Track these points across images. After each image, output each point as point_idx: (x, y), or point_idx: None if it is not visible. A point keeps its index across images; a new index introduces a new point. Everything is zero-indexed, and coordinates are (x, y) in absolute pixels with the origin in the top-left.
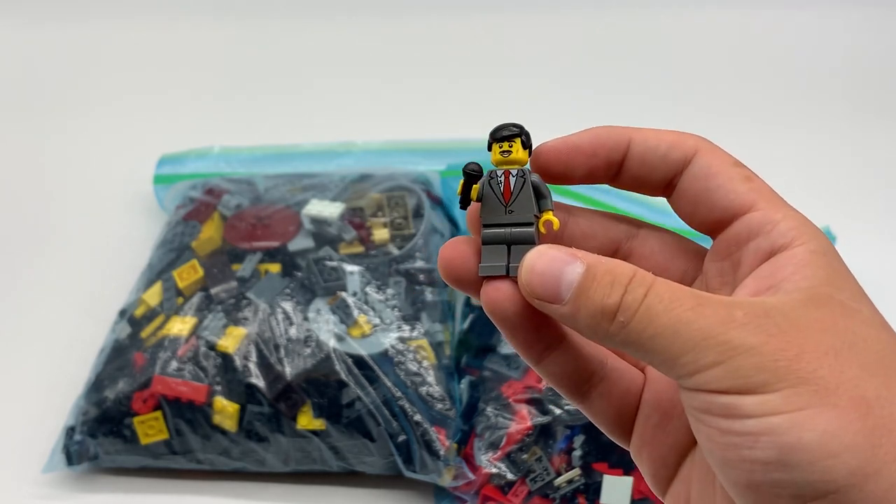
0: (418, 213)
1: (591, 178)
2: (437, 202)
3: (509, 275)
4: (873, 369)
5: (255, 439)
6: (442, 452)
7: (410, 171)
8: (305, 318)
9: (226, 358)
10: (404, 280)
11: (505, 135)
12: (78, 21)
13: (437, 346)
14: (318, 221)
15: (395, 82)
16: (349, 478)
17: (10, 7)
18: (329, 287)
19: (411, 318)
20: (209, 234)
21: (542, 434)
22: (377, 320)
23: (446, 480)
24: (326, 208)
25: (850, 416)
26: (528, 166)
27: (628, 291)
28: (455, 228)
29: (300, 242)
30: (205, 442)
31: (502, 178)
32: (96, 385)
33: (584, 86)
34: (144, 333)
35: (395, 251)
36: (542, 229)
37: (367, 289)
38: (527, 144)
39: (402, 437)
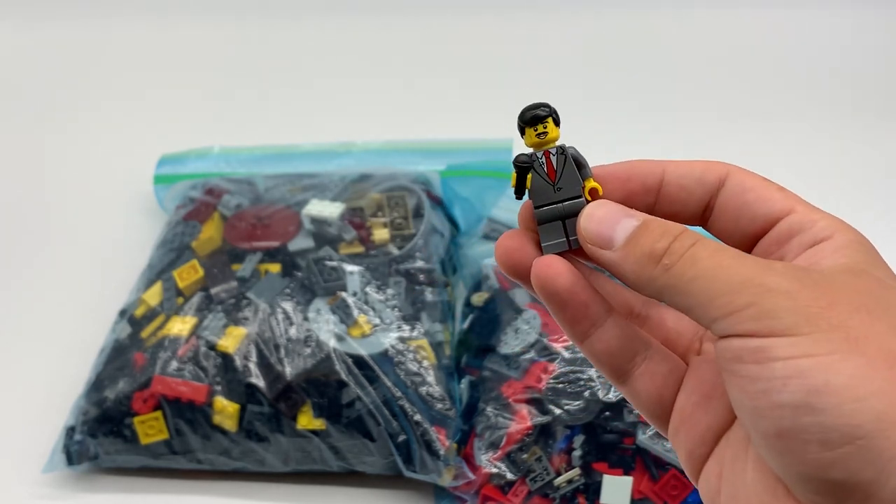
0: (418, 213)
1: (628, 203)
2: (437, 202)
3: (571, 248)
4: None
5: (255, 439)
6: (442, 452)
7: (410, 171)
8: (305, 318)
9: (226, 358)
10: (404, 280)
11: (538, 115)
12: (78, 21)
13: (437, 346)
14: (318, 221)
15: (395, 82)
16: (349, 478)
17: (10, 7)
18: (329, 287)
19: (411, 318)
20: (209, 234)
21: (542, 434)
22: (377, 320)
23: (446, 480)
24: (326, 208)
25: (877, 364)
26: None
27: (677, 239)
28: (455, 228)
29: (300, 242)
30: (205, 442)
31: (543, 160)
32: (96, 385)
33: (585, 85)
34: (144, 333)
35: (395, 251)
36: (588, 197)
37: (367, 289)
38: (557, 121)
39: (402, 437)
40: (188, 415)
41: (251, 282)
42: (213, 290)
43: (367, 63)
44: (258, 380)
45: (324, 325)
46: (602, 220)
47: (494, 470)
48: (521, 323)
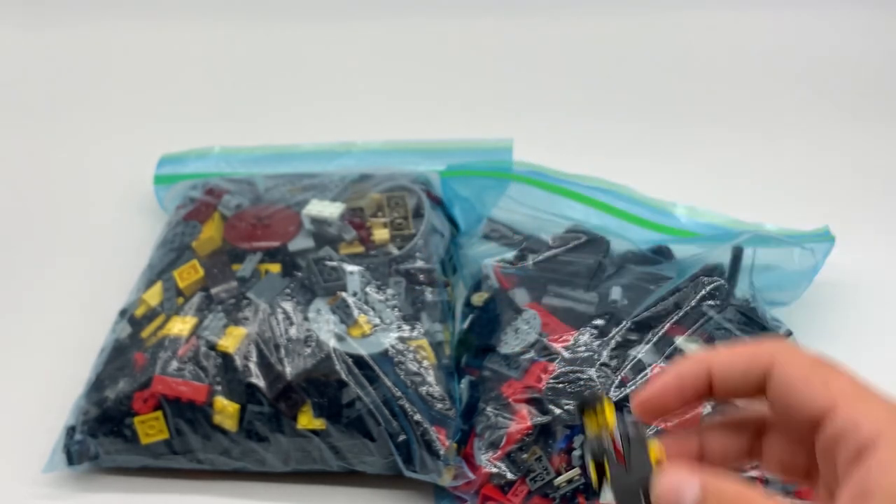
0: (418, 214)
1: (685, 409)
2: (437, 202)
3: None
4: None
5: (255, 439)
6: (442, 452)
7: (410, 171)
8: (305, 318)
9: (226, 358)
10: (404, 280)
11: (591, 404)
12: (77, 21)
13: (437, 346)
14: (319, 221)
15: (395, 82)
16: (349, 478)
17: (10, 7)
18: (329, 287)
19: (411, 318)
20: (209, 234)
21: (542, 434)
22: (377, 320)
23: (446, 480)
24: (326, 208)
25: None
26: (618, 418)
27: None
28: (455, 228)
29: (300, 242)
30: (205, 442)
31: (611, 445)
32: (97, 385)
33: (586, 86)
34: (145, 333)
35: (395, 251)
36: (655, 465)
37: (367, 289)
38: (609, 402)
39: (402, 437)
40: (188, 415)
41: (251, 282)
42: (214, 290)
43: (367, 63)
44: (258, 380)
45: (324, 325)
46: (668, 491)
47: (494, 470)
48: (520, 323)
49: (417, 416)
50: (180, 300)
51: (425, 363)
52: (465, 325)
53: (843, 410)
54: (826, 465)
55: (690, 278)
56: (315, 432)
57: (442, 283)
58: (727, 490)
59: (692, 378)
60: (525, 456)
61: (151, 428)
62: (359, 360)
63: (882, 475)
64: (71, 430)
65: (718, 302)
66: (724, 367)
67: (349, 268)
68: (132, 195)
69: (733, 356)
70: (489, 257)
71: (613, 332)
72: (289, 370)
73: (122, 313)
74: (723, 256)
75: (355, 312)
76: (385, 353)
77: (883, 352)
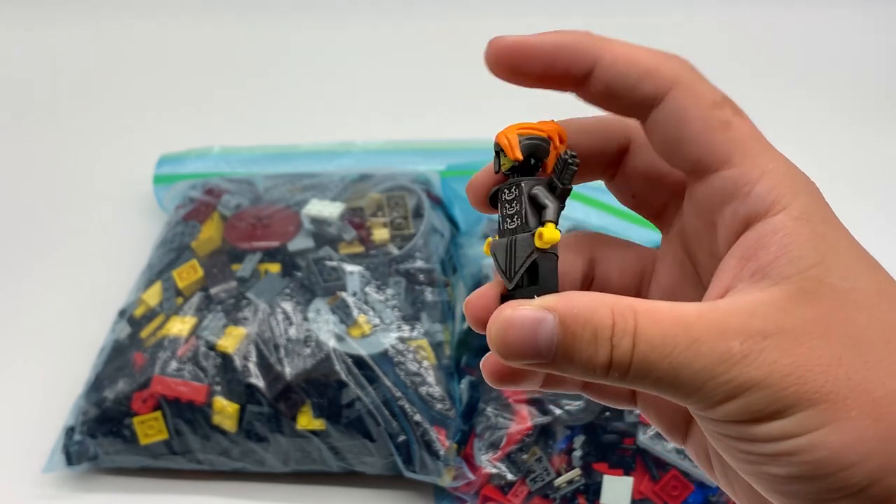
0: (418, 213)
1: (547, 84)
2: (437, 202)
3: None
4: (876, 362)
5: (254, 439)
6: (442, 452)
7: (410, 171)
8: (305, 318)
9: (225, 358)
10: (404, 280)
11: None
12: (77, 21)
13: (437, 346)
14: (318, 221)
15: (395, 82)
16: (349, 478)
17: (10, 7)
18: (329, 287)
19: (411, 318)
20: (209, 234)
21: (542, 434)
22: (377, 320)
23: (446, 481)
24: (326, 208)
25: (862, 425)
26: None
27: (615, 346)
28: (455, 228)
29: (300, 242)
30: (204, 442)
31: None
32: (96, 385)
33: None
34: (144, 333)
35: (395, 251)
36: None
37: (367, 289)
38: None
39: (402, 438)
40: (188, 415)
41: (251, 282)
42: (213, 290)
43: (367, 63)
44: (258, 380)
45: (324, 325)
46: (513, 328)
47: (494, 470)
48: None
49: (417, 417)
50: (180, 300)
51: (425, 363)
52: (465, 325)
53: (739, 167)
54: (697, 218)
55: None
56: (315, 433)
57: (442, 283)
58: (596, 316)
59: (571, 56)
60: (525, 456)
61: (151, 428)
62: (359, 361)
63: (777, 253)
64: (70, 431)
65: None
66: (616, 66)
67: (349, 268)
68: (132, 195)
69: (632, 56)
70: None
71: None
72: (288, 370)
73: (122, 313)
74: None
75: (355, 312)
76: (385, 354)
77: None
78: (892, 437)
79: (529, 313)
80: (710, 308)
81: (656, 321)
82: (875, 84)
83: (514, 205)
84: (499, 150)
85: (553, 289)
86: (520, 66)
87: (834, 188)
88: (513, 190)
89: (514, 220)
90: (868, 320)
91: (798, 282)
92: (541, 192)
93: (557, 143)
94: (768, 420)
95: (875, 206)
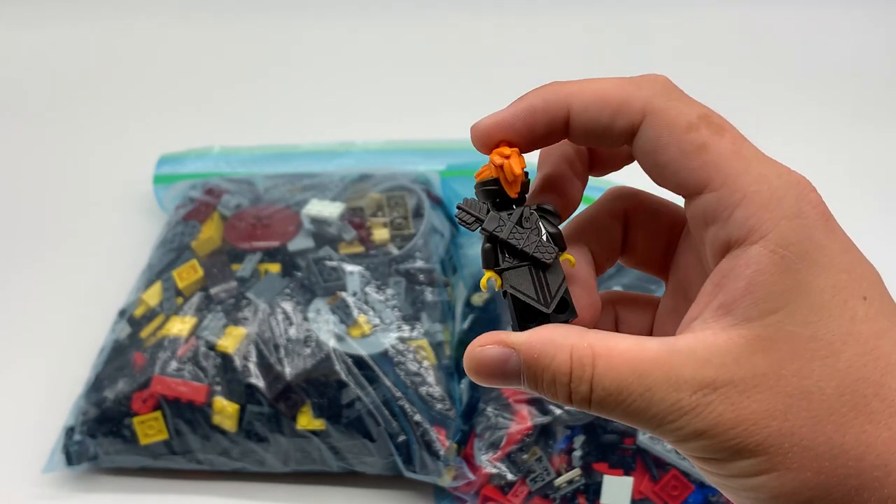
0: (418, 213)
1: (539, 146)
2: (437, 202)
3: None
4: (825, 416)
5: (254, 439)
6: (442, 452)
7: (410, 171)
8: (305, 318)
9: (225, 358)
10: (404, 280)
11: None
12: (78, 21)
13: (437, 346)
14: (318, 221)
15: (394, 82)
16: (349, 478)
17: (10, 7)
18: (329, 287)
19: (411, 318)
20: (209, 234)
21: (543, 434)
22: (377, 320)
23: (446, 481)
24: (326, 208)
25: (804, 476)
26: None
27: (573, 391)
28: (455, 228)
29: (300, 242)
30: (204, 442)
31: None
32: (96, 385)
33: None
34: (144, 333)
35: (395, 251)
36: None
37: (367, 289)
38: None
39: (402, 438)
40: (188, 415)
41: (251, 282)
42: (213, 290)
43: (367, 63)
44: (258, 380)
45: (324, 325)
46: (483, 365)
47: (494, 470)
48: None
49: (417, 417)
50: (179, 300)
51: (425, 363)
52: (465, 325)
53: (717, 192)
54: (695, 232)
55: None
56: (315, 433)
57: (442, 283)
58: (554, 363)
59: (545, 118)
60: (525, 456)
61: (151, 428)
62: (359, 361)
63: (744, 291)
64: (70, 431)
65: None
66: (588, 111)
67: (349, 268)
68: (131, 195)
69: (601, 95)
70: None
71: None
72: (288, 370)
73: (122, 313)
74: None
75: (355, 312)
76: (385, 354)
77: None
78: (835, 488)
79: (496, 353)
80: (668, 351)
81: (612, 367)
82: (875, 84)
83: (525, 234)
84: (495, 182)
85: (573, 309)
86: (504, 141)
87: (834, 188)
88: (520, 219)
89: (531, 245)
90: (822, 371)
91: (757, 328)
92: (543, 222)
93: (509, 177)
94: (722, 462)
95: (875, 206)
